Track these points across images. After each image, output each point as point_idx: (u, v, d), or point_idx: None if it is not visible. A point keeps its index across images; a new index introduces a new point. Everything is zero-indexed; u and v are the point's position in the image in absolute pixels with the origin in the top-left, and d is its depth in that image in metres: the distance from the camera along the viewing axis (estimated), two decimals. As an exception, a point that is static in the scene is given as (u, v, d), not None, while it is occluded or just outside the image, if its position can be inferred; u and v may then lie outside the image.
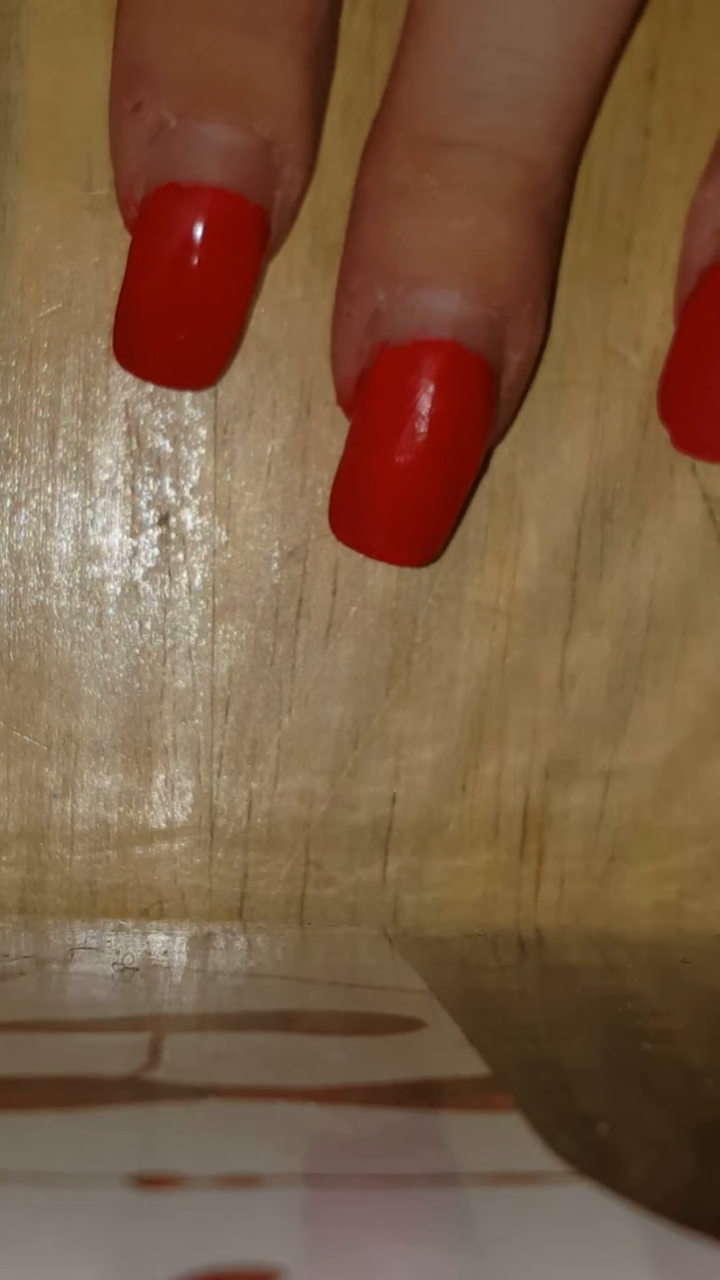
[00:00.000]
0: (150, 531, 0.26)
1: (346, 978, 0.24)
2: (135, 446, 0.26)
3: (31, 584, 0.26)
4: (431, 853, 0.27)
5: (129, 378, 0.26)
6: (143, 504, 0.26)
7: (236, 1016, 0.21)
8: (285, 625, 0.27)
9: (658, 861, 0.27)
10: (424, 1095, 0.17)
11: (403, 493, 0.24)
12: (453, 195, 0.23)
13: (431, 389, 0.23)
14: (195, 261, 0.23)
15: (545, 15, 0.23)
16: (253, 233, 0.24)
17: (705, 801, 0.27)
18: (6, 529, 0.26)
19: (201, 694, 0.27)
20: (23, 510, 0.26)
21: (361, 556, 0.26)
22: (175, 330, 0.24)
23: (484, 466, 0.27)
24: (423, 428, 0.23)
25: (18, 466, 0.26)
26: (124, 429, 0.26)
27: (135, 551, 0.26)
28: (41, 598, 0.26)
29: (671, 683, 0.27)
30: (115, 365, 0.26)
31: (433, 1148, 0.15)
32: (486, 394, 0.24)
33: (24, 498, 0.26)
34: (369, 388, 0.24)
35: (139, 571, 0.26)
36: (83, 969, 0.24)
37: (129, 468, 0.26)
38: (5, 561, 0.26)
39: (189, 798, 0.27)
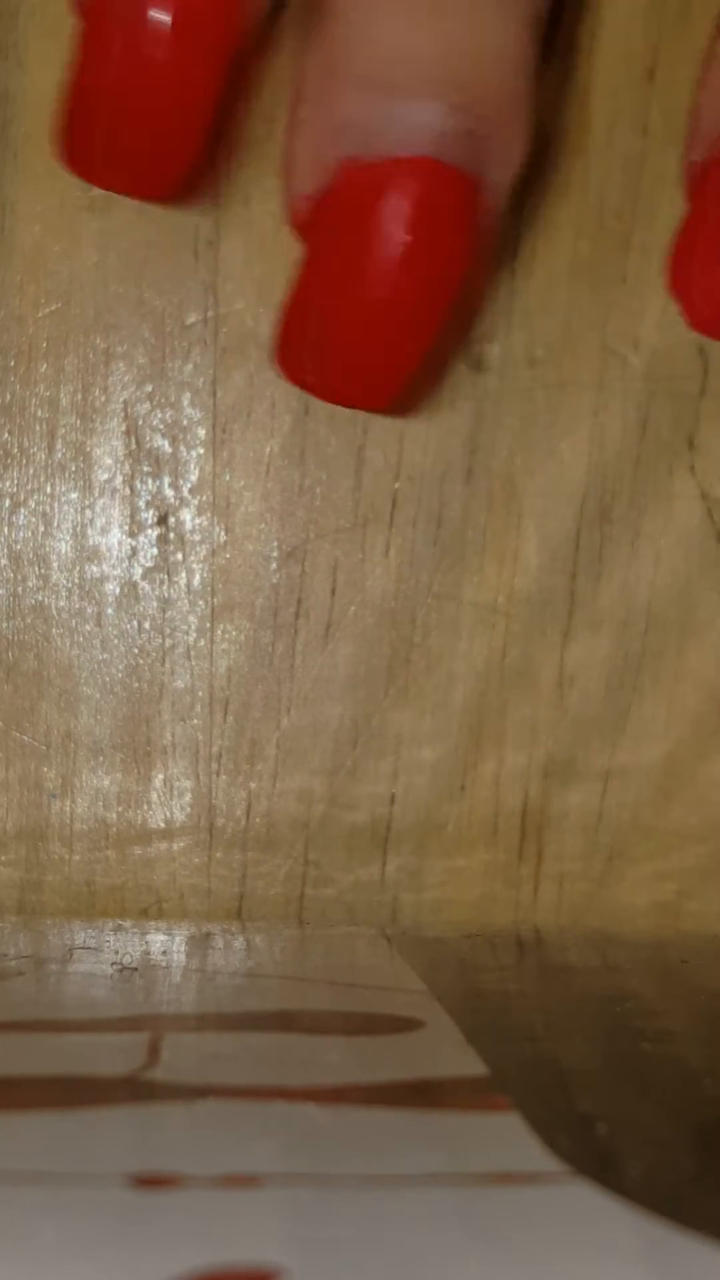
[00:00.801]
0: (149, 531, 0.26)
1: (345, 978, 0.24)
2: (134, 446, 0.26)
3: (30, 584, 0.26)
4: (430, 853, 0.27)
5: (128, 378, 0.26)
6: (141, 504, 0.26)
7: (235, 1016, 0.21)
8: (284, 625, 0.27)
9: (656, 861, 0.27)
10: (423, 1095, 0.17)
11: (370, 327, 0.22)
12: None
13: (409, 211, 0.21)
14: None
15: None
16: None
17: (704, 801, 0.27)
18: (5, 529, 0.26)
19: (200, 694, 0.27)
20: (21, 510, 0.26)
21: (362, 556, 0.26)
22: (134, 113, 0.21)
23: (466, 303, 0.24)
24: (397, 254, 0.21)
25: (16, 466, 0.26)
26: (123, 429, 0.26)
27: (134, 551, 0.26)
28: (40, 598, 0.26)
29: (670, 682, 0.27)
30: (114, 366, 0.26)
31: (431, 1148, 0.15)
32: (469, 217, 0.21)
33: (23, 498, 0.26)
34: (333, 207, 0.21)
35: (138, 571, 0.26)
36: (81, 969, 0.24)
37: (128, 468, 0.26)
38: (4, 561, 0.26)
39: (188, 798, 0.27)
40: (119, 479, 0.26)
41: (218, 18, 0.20)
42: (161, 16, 0.20)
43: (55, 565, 0.26)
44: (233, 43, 0.21)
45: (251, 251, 0.26)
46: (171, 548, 0.26)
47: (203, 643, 0.27)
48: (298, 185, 0.22)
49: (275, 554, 0.27)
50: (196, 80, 0.21)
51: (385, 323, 0.22)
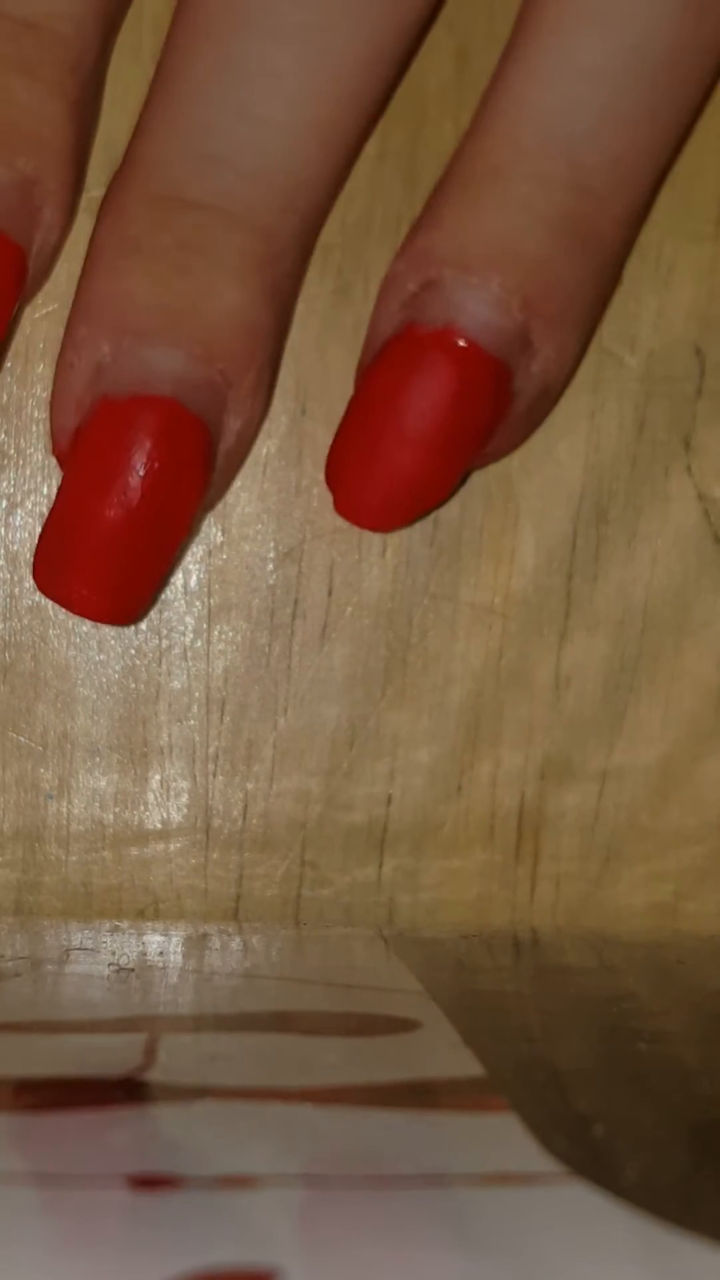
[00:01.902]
0: (146, 532, 0.26)
1: (342, 978, 0.24)
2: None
3: (28, 585, 0.26)
4: (427, 853, 0.27)
5: (124, 379, 0.26)
6: (138, 505, 0.26)
7: (232, 1017, 0.21)
8: (281, 626, 0.27)
9: (653, 862, 0.28)
10: (419, 1096, 0.17)
11: (109, 549, 0.23)
12: (186, 256, 0.23)
13: (147, 445, 0.23)
14: None
15: (288, 89, 0.23)
16: (11, 271, 0.23)
17: (700, 802, 0.27)
18: (2, 530, 0.26)
19: (197, 695, 0.27)
20: (18, 511, 0.26)
21: (358, 557, 0.26)
22: None
23: (192, 533, 0.26)
24: (135, 484, 0.23)
25: (13, 467, 0.26)
26: (120, 430, 0.26)
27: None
28: (38, 599, 0.26)
29: (667, 683, 0.27)
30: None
31: (428, 1148, 0.15)
32: (202, 457, 0.24)
33: (19, 498, 0.26)
34: (84, 439, 0.23)
35: (134, 572, 0.26)
36: (78, 970, 0.24)
37: (125, 468, 0.26)
38: (1, 562, 0.26)
39: (184, 798, 0.27)
40: (116, 480, 0.26)
41: (7, 280, 0.23)
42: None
43: (52, 566, 0.26)
44: (18, 295, 0.24)
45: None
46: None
47: (199, 643, 0.27)
48: (61, 419, 0.24)
49: (272, 555, 0.27)
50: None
51: (123, 545, 0.23)
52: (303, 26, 0.23)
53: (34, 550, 0.25)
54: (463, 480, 0.26)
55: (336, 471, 0.25)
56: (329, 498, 0.26)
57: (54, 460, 0.26)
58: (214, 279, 0.23)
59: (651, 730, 0.27)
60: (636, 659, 0.27)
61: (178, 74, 0.23)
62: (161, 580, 0.26)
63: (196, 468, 0.24)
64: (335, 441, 0.25)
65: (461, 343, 0.23)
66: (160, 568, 0.24)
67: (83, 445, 0.24)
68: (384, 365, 0.24)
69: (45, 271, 0.25)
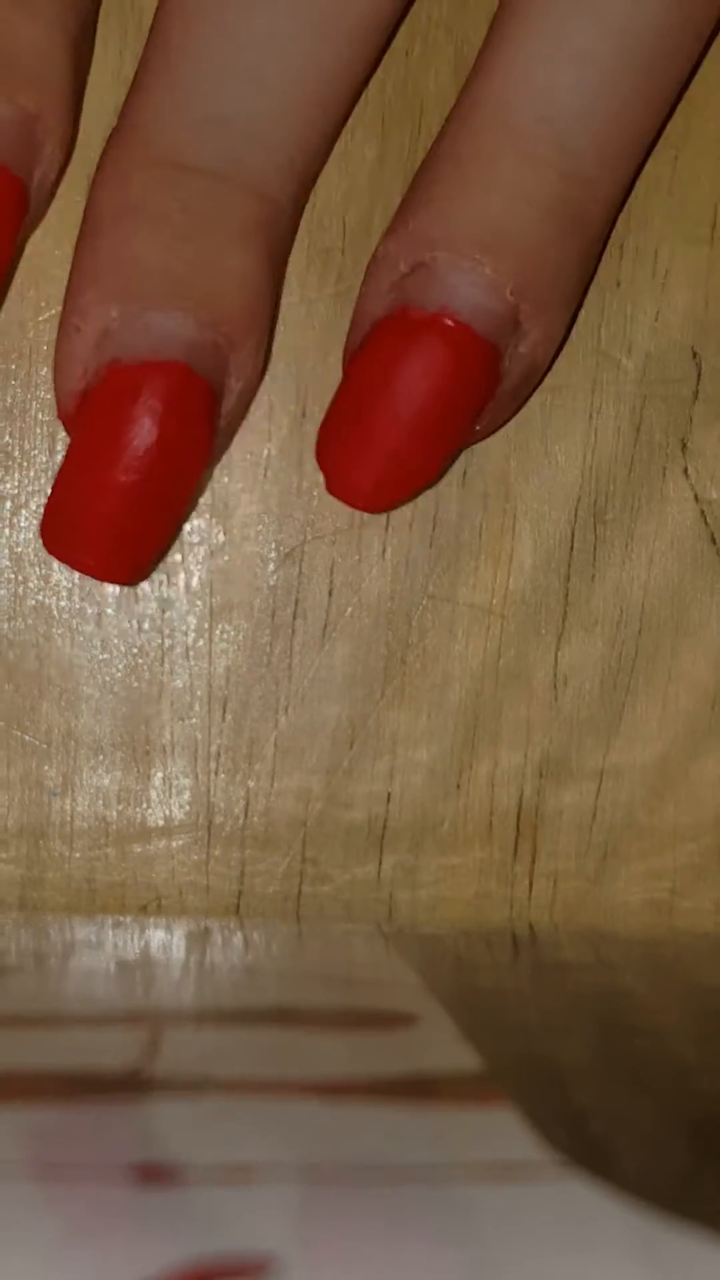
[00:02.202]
0: (148, 532, 0.26)
1: (342, 974, 0.24)
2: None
3: (31, 584, 0.26)
4: (426, 851, 0.27)
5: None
6: (141, 505, 0.26)
7: (233, 1012, 0.21)
8: (282, 626, 0.27)
9: (650, 860, 0.28)
10: (418, 1090, 0.17)
11: (119, 511, 0.24)
12: (191, 220, 0.23)
13: (159, 408, 0.23)
14: None
15: (291, 52, 0.23)
16: (12, 203, 0.23)
17: (697, 800, 0.28)
18: (7, 530, 0.26)
19: (199, 693, 0.27)
20: (23, 512, 0.26)
21: (359, 558, 0.27)
22: None
23: (198, 493, 0.26)
24: (146, 447, 0.23)
25: (18, 469, 0.26)
26: (122, 431, 0.26)
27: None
28: (41, 598, 0.26)
29: (664, 683, 0.27)
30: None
31: (427, 1141, 0.15)
32: (210, 419, 0.24)
33: (24, 499, 0.26)
34: (95, 403, 0.24)
35: (137, 572, 0.26)
36: (82, 965, 0.24)
37: (127, 469, 0.26)
38: (6, 562, 0.26)
39: (187, 796, 0.27)
40: (119, 481, 0.26)
41: (8, 210, 0.23)
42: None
43: (56, 566, 0.26)
44: (20, 226, 0.24)
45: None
46: (170, 549, 0.27)
47: (201, 643, 0.27)
48: (68, 384, 0.24)
49: (273, 555, 0.27)
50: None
51: (133, 508, 0.24)
52: None
53: (43, 513, 0.25)
54: (451, 460, 0.26)
55: (328, 452, 0.25)
56: (330, 500, 0.26)
57: (57, 462, 0.26)
58: (218, 243, 0.23)
59: (648, 729, 0.27)
60: (634, 659, 0.27)
61: (176, 38, 0.23)
62: (169, 541, 0.26)
63: (203, 430, 0.24)
64: (326, 422, 0.25)
65: (454, 326, 0.24)
66: (168, 529, 0.25)
67: (93, 409, 0.24)
68: (376, 347, 0.24)
69: (44, 207, 0.25)
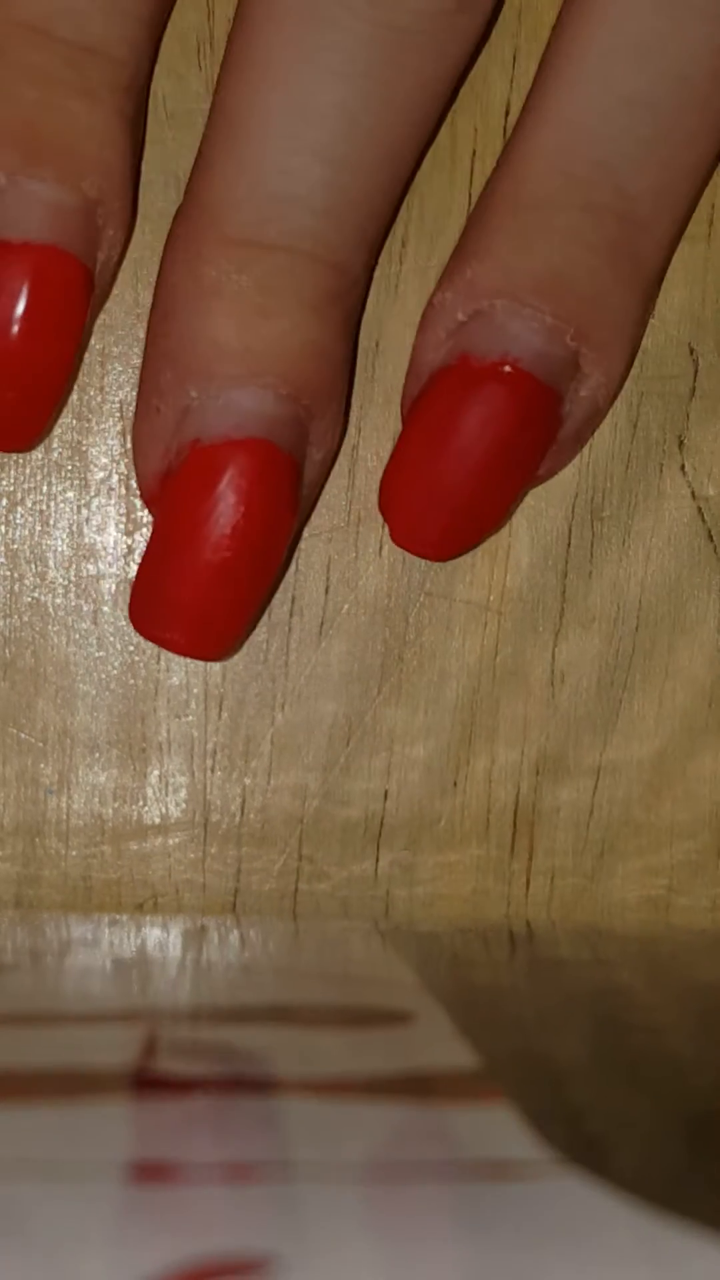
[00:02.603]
0: (145, 530, 0.26)
1: (339, 971, 0.24)
2: (130, 445, 0.26)
3: (28, 582, 0.26)
4: (423, 848, 0.27)
5: (124, 378, 0.26)
6: (138, 503, 0.26)
7: (230, 1009, 0.21)
8: (278, 623, 0.27)
9: (647, 857, 0.28)
10: (415, 1087, 0.17)
11: (208, 590, 0.24)
12: (267, 297, 0.23)
13: (244, 487, 0.23)
14: (22, 318, 0.23)
15: (358, 123, 0.23)
16: (79, 291, 0.24)
17: (693, 797, 0.28)
18: (3, 527, 0.26)
19: (195, 691, 0.27)
20: (19, 509, 0.26)
21: (355, 555, 0.27)
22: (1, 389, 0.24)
23: (283, 567, 0.27)
24: (233, 526, 0.23)
25: (14, 466, 0.26)
26: (119, 428, 0.26)
27: (130, 550, 0.27)
28: (37, 595, 0.26)
29: (661, 680, 0.27)
30: (111, 366, 0.26)
31: (424, 1139, 0.15)
32: (294, 492, 0.24)
33: (20, 496, 0.26)
34: (180, 483, 0.24)
35: (134, 569, 0.26)
36: (78, 962, 0.24)
37: (124, 466, 0.26)
38: (2, 560, 0.26)
39: (183, 793, 0.27)
40: (115, 478, 0.26)
41: (76, 301, 0.24)
42: (25, 291, 0.23)
43: (52, 563, 0.26)
44: (85, 314, 0.24)
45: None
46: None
47: (198, 640, 0.27)
48: (150, 465, 0.25)
49: (270, 552, 0.27)
50: (57, 351, 0.24)
51: (221, 586, 0.24)
52: (372, 64, 0.23)
53: (130, 590, 0.25)
54: (516, 504, 0.27)
55: (393, 504, 0.25)
56: (326, 496, 0.26)
57: (53, 459, 0.26)
58: (294, 316, 0.24)
59: (645, 726, 0.27)
60: (630, 656, 0.27)
61: (242, 113, 0.23)
62: (258, 614, 0.26)
63: (287, 503, 0.24)
64: (389, 473, 0.25)
65: (515, 373, 0.24)
66: (256, 603, 0.25)
67: (177, 489, 0.24)
68: (438, 396, 0.24)
69: (107, 290, 0.25)
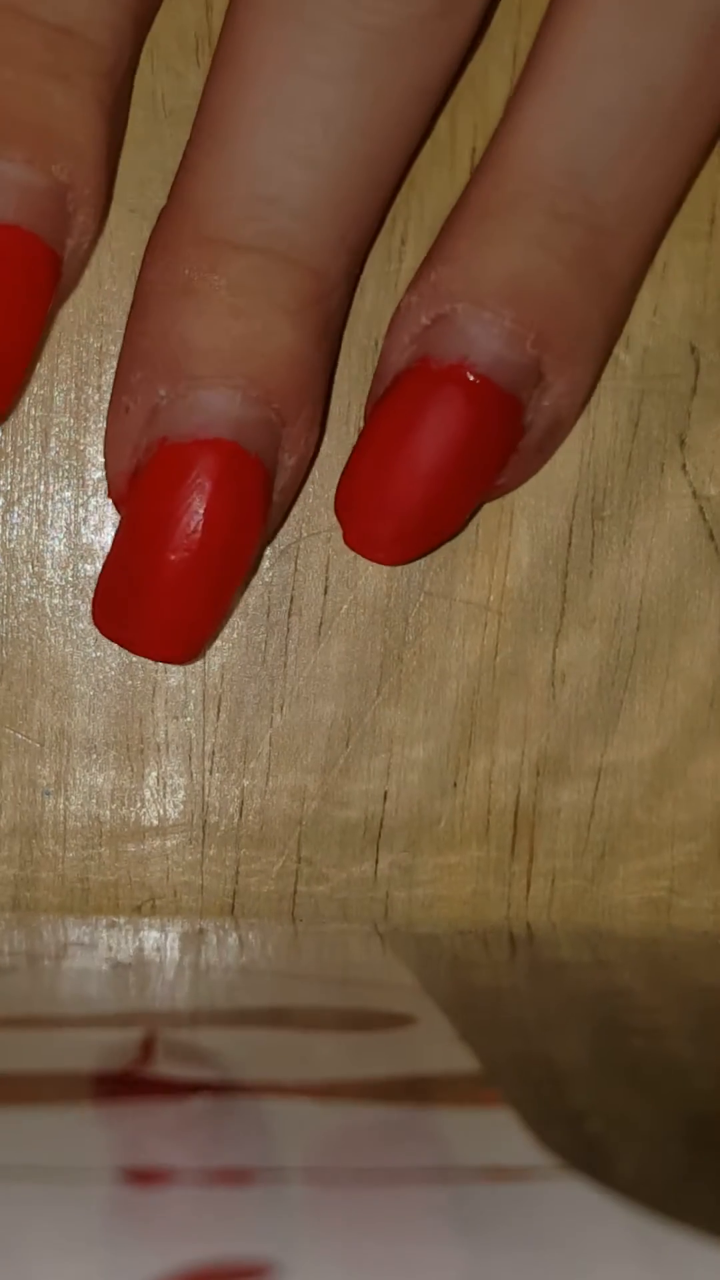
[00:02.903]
0: (142, 529, 0.26)
1: (338, 974, 0.24)
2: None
3: (24, 582, 0.26)
4: (423, 849, 0.27)
5: (121, 376, 0.26)
6: (135, 502, 0.26)
7: (228, 1012, 0.21)
8: (277, 623, 0.27)
9: (648, 858, 0.28)
10: (415, 1091, 0.17)
11: (172, 591, 0.24)
12: (240, 298, 0.23)
13: (209, 487, 0.23)
14: None
15: (340, 129, 0.23)
16: (44, 275, 0.23)
17: (695, 798, 0.28)
18: (0, 527, 0.26)
19: (193, 691, 0.27)
20: (16, 509, 0.26)
21: (353, 555, 0.27)
22: None
23: (251, 571, 0.27)
24: (198, 526, 0.23)
25: (11, 465, 0.26)
26: (116, 427, 0.26)
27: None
28: (34, 595, 0.26)
29: (662, 680, 0.27)
30: (108, 365, 0.26)
31: (424, 1143, 0.15)
32: (262, 496, 0.24)
33: (17, 496, 0.26)
34: (145, 482, 0.24)
35: (131, 569, 0.26)
36: (75, 965, 0.24)
37: (121, 466, 0.26)
38: (-2, 559, 0.26)
39: (181, 795, 0.27)
40: (113, 477, 0.26)
41: (41, 285, 0.24)
42: None
43: (49, 563, 0.26)
44: (51, 299, 0.24)
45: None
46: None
47: (196, 640, 0.27)
48: (118, 464, 0.24)
49: (268, 552, 0.27)
50: (19, 334, 0.24)
51: (186, 588, 0.24)
52: (355, 67, 0.23)
53: (93, 591, 0.25)
54: (473, 513, 0.26)
55: (347, 504, 0.25)
56: (325, 496, 0.26)
57: (50, 458, 0.26)
58: (268, 319, 0.23)
59: (646, 727, 0.27)
60: (631, 656, 0.27)
61: (226, 115, 0.23)
62: (223, 619, 0.26)
63: (256, 507, 0.24)
64: (345, 474, 0.25)
65: (474, 378, 0.24)
66: (222, 608, 0.25)
67: (143, 488, 0.24)
68: (396, 399, 0.24)
69: (76, 277, 0.25)
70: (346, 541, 0.25)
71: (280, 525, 0.26)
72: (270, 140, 0.23)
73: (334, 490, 0.26)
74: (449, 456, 0.24)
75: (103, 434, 0.26)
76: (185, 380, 0.23)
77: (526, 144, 0.24)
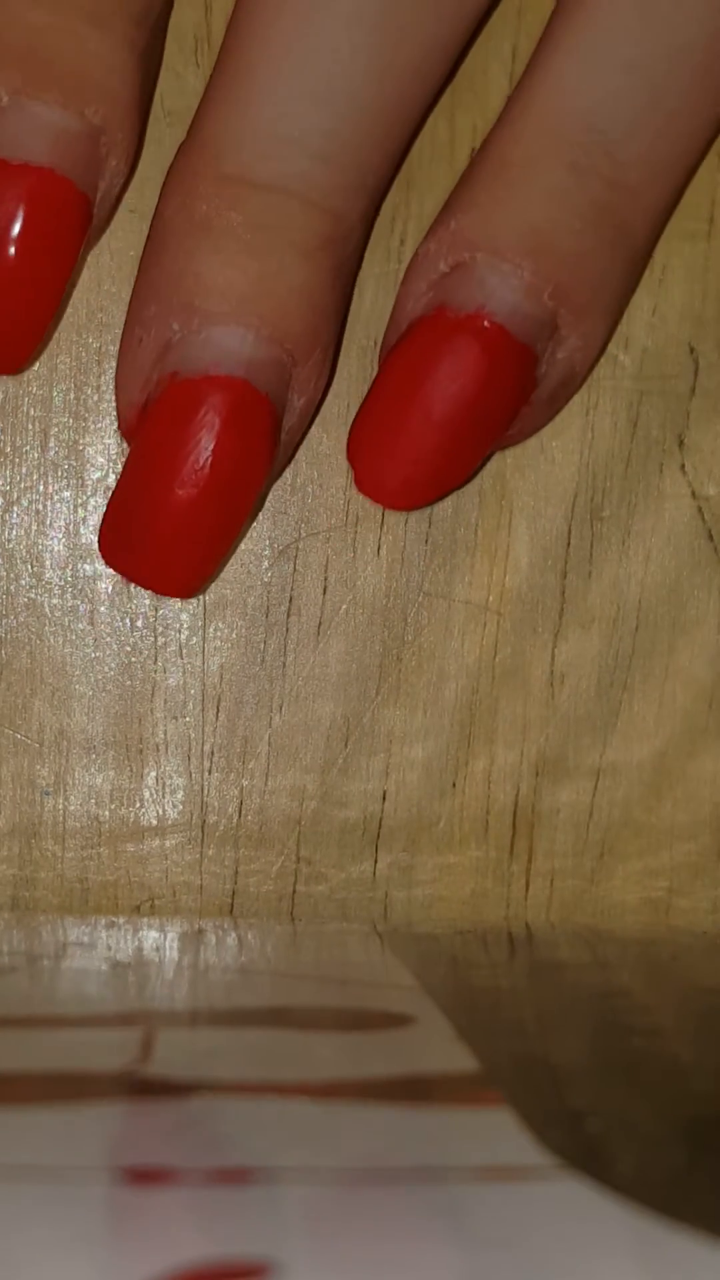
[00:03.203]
0: (142, 529, 0.26)
1: (337, 974, 0.24)
2: (127, 445, 0.26)
3: (24, 582, 0.26)
4: (422, 849, 0.27)
5: (121, 376, 0.26)
6: (134, 502, 0.26)
7: (228, 1012, 0.21)
8: (276, 623, 0.27)
9: (647, 858, 0.28)
10: (414, 1090, 0.17)
11: (177, 525, 0.24)
12: (256, 236, 0.23)
13: (217, 424, 0.23)
14: (16, 241, 0.23)
15: (362, 73, 0.23)
16: (76, 218, 0.24)
17: (694, 798, 0.28)
18: (-1, 527, 0.26)
19: (193, 691, 0.27)
20: (15, 509, 0.26)
21: (353, 555, 0.27)
22: None
23: (257, 509, 0.27)
24: (205, 462, 0.23)
25: (10, 465, 0.26)
26: (115, 427, 0.26)
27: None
28: (34, 595, 0.26)
29: (660, 680, 0.27)
30: (107, 365, 0.26)
31: (423, 1143, 0.15)
32: (270, 434, 0.24)
33: (16, 496, 0.26)
34: (154, 416, 0.24)
35: (130, 569, 0.26)
36: (75, 965, 0.24)
37: (120, 466, 0.26)
38: (-3, 559, 0.26)
39: (180, 795, 0.27)
40: (112, 477, 0.26)
41: (72, 227, 0.24)
42: (20, 214, 0.23)
43: (48, 563, 0.26)
44: (82, 242, 0.24)
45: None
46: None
47: (195, 640, 0.27)
48: (128, 396, 0.25)
49: (267, 552, 0.27)
50: (49, 275, 0.24)
51: (191, 523, 0.24)
52: (379, 11, 0.23)
53: (100, 520, 0.25)
54: (483, 463, 0.26)
55: (358, 448, 0.25)
56: (324, 496, 0.26)
57: (49, 458, 0.26)
58: (283, 259, 0.23)
59: (645, 727, 0.27)
60: (630, 656, 0.27)
61: (247, 56, 0.24)
62: (225, 555, 0.26)
63: (263, 446, 0.24)
64: (358, 419, 0.25)
65: (490, 328, 0.24)
66: (225, 544, 0.25)
67: (151, 422, 0.24)
68: (411, 346, 0.24)
69: (106, 221, 0.25)
70: (357, 486, 0.25)
71: (286, 465, 0.26)
72: (292, 81, 0.23)
73: (333, 490, 0.26)
74: (462, 405, 0.24)
75: (101, 434, 0.26)
76: (199, 316, 0.23)
77: (550, 97, 0.24)
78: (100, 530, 0.25)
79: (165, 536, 0.24)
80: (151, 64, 0.25)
